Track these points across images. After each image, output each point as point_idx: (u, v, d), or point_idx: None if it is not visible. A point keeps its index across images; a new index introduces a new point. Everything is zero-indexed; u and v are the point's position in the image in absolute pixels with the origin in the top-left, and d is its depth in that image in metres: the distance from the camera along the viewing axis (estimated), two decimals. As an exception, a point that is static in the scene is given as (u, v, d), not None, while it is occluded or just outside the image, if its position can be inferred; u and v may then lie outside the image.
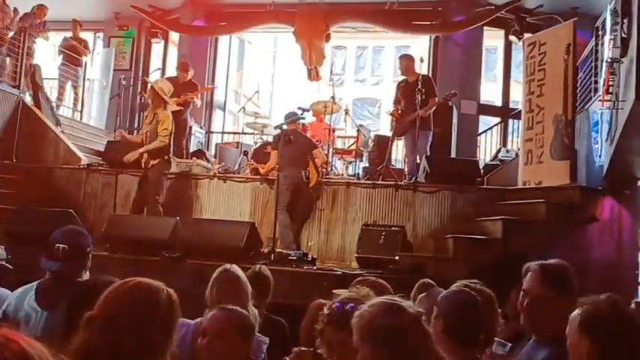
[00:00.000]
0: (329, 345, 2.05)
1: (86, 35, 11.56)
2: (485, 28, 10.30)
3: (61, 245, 2.83)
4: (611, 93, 4.48)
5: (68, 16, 11.19)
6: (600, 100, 5.33)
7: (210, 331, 2.26)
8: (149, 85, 7.56)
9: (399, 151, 10.32)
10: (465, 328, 2.26)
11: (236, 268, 3.17)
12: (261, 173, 7.25)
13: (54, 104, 10.01)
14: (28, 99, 9.10)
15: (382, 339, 1.71)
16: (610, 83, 4.49)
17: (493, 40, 12.62)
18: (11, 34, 9.14)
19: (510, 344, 2.79)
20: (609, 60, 4.39)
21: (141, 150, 6.71)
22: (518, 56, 10.65)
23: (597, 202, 6.24)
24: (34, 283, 2.90)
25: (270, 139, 8.63)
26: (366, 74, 30.83)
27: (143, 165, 6.81)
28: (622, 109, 4.05)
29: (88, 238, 2.97)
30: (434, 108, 7.75)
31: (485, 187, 7.19)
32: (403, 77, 8.09)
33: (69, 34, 10.88)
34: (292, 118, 6.87)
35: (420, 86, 7.46)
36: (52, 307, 2.71)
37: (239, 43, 21.10)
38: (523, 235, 5.68)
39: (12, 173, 7.79)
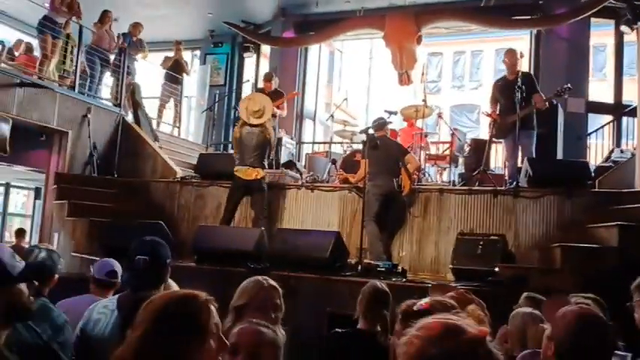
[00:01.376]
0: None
1: (184, 54, 11.98)
2: (593, 19, 9.46)
3: (141, 257, 2.72)
4: None
5: (166, 36, 11.68)
6: None
7: (244, 347, 1.99)
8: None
9: (498, 156, 9.71)
10: (581, 356, 1.85)
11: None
12: (351, 183, 7.00)
13: (153, 121, 10.40)
14: (129, 117, 9.51)
15: None
16: None
17: (600, 37, 11.63)
18: (113, 56, 9.61)
19: (631, 354, 2.35)
20: None
21: None
22: (630, 52, 9.73)
23: None
24: (110, 299, 2.81)
25: (360, 146, 8.41)
26: (464, 80, 29.87)
27: (252, 177, 6.85)
28: None
29: (167, 249, 2.84)
30: (546, 105, 7.11)
31: (597, 190, 6.48)
32: (501, 75, 7.53)
33: (169, 54, 11.29)
34: (379, 122, 6.57)
35: (519, 83, 6.91)
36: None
37: (329, 55, 21.14)
38: (643, 244, 4.99)
39: (112, 187, 8.09)
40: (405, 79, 9.30)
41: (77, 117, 8.36)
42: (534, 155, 7.07)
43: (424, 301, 2.04)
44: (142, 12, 10.68)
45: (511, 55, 7.40)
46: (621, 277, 4.78)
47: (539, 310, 3.24)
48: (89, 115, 8.42)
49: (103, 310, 2.71)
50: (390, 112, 6.48)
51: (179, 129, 11.59)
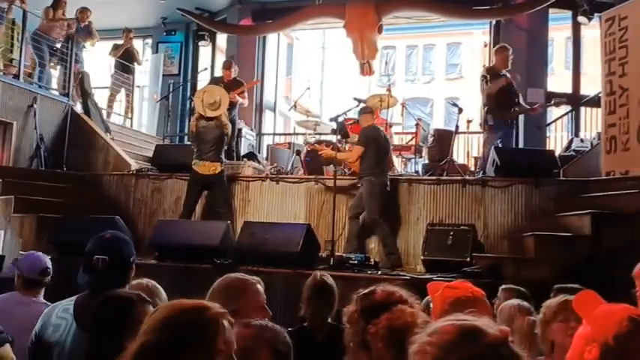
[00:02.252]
0: None
1: (134, 42, 11.46)
2: (551, 11, 9.53)
3: (100, 257, 2.42)
4: None
5: (116, 23, 11.13)
6: None
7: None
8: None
9: (460, 147, 9.70)
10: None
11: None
12: (335, 158, 6.74)
13: (103, 112, 9.91)
14: (78, 107, 9.01)
15: None
16: None
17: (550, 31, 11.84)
18: (59, 44, 9.06)
19: None
20: None
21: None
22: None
23: (700, 191, 5.46)
24: (70, 300, 2.51)
25: (322, 137, 8.20)
26: (417, 73, 30.11)
27: (210, 171, 6.61)
28: None
29: (131, 246, 2.55)
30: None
31: (565, 179, 6.49)
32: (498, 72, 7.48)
33: (118, 42, 10.77)
34: (366, 109, 6.40)
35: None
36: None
37: (287, 48, 20.84)
38: (616, 231, 4.98)
39: (61, 181, 7.62)
40: (366, 69, 9.12)
41: (22, 107, 7.84)
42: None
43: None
44: (88, -1, 10.11)
45: (504, 52, 7.51)
46: (595, 266, 4.80)
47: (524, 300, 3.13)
48: (35, 106, 7.90)
49: (63, 314, 2.44)
50: (360, 100, 6.28)
51: (131, 120, 11.10)
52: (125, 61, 10.61)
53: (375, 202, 6.03)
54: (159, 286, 2.69)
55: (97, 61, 10.94)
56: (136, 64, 10.90)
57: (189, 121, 11.30)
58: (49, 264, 3.41)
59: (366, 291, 1.89)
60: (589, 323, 1.59)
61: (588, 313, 1.62)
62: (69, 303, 2.49)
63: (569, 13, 9.91)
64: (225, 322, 1.34)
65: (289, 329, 3.19)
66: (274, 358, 1.78)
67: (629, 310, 1.67)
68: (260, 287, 2.34)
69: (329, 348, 2.77)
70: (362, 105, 6.48)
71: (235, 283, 2.32)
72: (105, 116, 9.89)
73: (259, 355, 1.77)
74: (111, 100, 10.71)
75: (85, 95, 9.19)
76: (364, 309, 1.80)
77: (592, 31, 10.66)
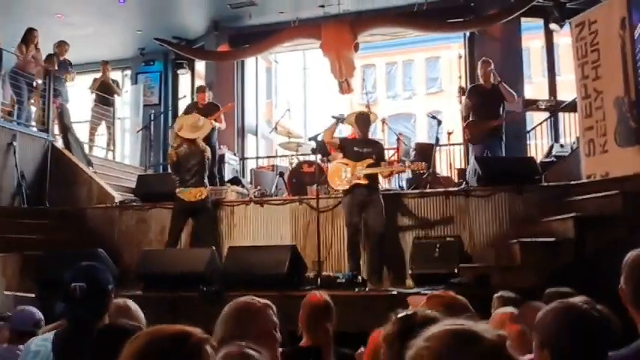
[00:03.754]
0: None
1: (114, 74, 11.47)
2: (523, 19, 9.69)
3: (77, 284, 2.40)
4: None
5: (94, 57, 11.15)
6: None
7: None
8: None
9: (442, 159, 9.76)
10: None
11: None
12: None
13: (85, 145, 9.86)
14: (59, 142, 8.96)
15: None
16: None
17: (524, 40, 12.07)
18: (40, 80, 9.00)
19: None
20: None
21: None
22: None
23: (679, 189, 5.51)
24: (49, 334, 2.49)
25: (307, 158, 8.21)
26: (398, 90, 30.37)
27: (196, 197, 6.60)
28: None
29: (107, 273, 2.53)
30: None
31: (547, 184, 6.52)
32: (476, 84, 8.01)
33: (98, 75, 10.76)
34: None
35: (495, 95, 7.50)
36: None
37: (266, 72, 20.93)
38: (599, 233, 5.00)
39: (44, 218, 7.55)
40: (345, 87, 9.20)
41: (2, 145, 7.78)
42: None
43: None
44: (67, 32, 10.11)
45: (486, 66, 7.77)
46: (580, 269, 4.80)
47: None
48: (15, 143, 7.85)
49: (42, 342, 2.44)
50: (338, 118, 6.30)
51: (114, 152, 11.05)
52: (104, 93, 10.59)
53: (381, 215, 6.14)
54: (133, 304, 2.67)
55: (79, 94, 10.92)
56: (115, 95, 10.88)
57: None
58: (40, 314, 3.47)
59: (407, 313, 1.88)
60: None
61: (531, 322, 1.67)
62: (49, 334, 2.49)
63: (541, 22, 10.05)
64: (209, 348, 1.31)
65: (283, 349, 3.17)
66: None
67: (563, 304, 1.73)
68: (270, 311, 2.33)
69: None
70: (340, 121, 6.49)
71: (244, 307, 2.30)
72: (87, 150, 9.85)
73: None
74: (92, 133, 10.67)
75: (65, 130, 9.17)
76: (402, 330, 1.77)
77: (567, 39, 10.84)
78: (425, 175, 7.31)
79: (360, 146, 6.27)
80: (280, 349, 3.21)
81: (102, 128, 10.87)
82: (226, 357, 1.68)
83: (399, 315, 1.81)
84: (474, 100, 7.71)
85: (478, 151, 7.60)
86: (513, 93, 7.82)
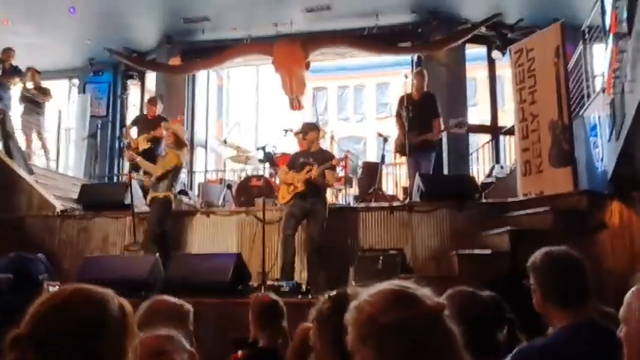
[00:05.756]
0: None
1: (61, 83, 11.23)
2: (467, 46, 10.13)
3: (4, 276, 2.37)
4: (618, 77, 4.16)
5: (42, 64, 10.88)
6: (604, 90, 4.99)
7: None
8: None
9: (388, 178, 10.00)
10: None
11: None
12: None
13: (26, 153, 9.56)
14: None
15: (390, 340, 1.21)
16: (616, 66, 4.17)
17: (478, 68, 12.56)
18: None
19: None
20: (618, 34, 4.06)
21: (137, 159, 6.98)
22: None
23: (605, 208, 5.84)
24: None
25: (255, 172, 8.27)
26: (348, 112, 30.88)
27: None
28: (631, 92, 3.71)
29: (39, 263, 2.51)
30: (439, 137, 7.68)
31: (485, 201, 6.80)
32: (407, 93, 7.68)
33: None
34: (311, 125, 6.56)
35: (425, 104, 7.37)
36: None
37: (217, 91, 20.91)
38: (531, 246, 5.19)
39: (-20, 225, 7.28)
40: (295, 104, 9.37)
41: (-62, 149, 7.51)
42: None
43: None
44: (12, 40, 9.89)
45: (420, 77, 7.78)
46: (514, 279, 5.02)
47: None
48: (-49, 148, 7.59)
49: None
50: (287, 130, 6.41)
51: (57, 162, 10.76)
52: (30, 101, 10.09)
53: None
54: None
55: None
56: (45, 102, 10.25)
57: (119, 161, 11.17)
58: None
59: (339, 290, 1.92)
60: None
61: None
62: None
63: (484, 49, 10.51)
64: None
65: (243, 351, 3.16)
66: None
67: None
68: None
69: None
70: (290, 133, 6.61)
71: (159, 306, 2.31)
72: (28, 159, 9.54)
73: None
74: (28, 142, 10.24)
75: (7, 136, 8.90)
76: (337, 304, 1.79)
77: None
78: (371, 191, 7.48)
79: (306, 157, 6.39)
80: (240, 352, 3.24)
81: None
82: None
83: (330, 294, 1.89)
84: (401, 110, 7.58)
85: (411, 165, 7.54)
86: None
